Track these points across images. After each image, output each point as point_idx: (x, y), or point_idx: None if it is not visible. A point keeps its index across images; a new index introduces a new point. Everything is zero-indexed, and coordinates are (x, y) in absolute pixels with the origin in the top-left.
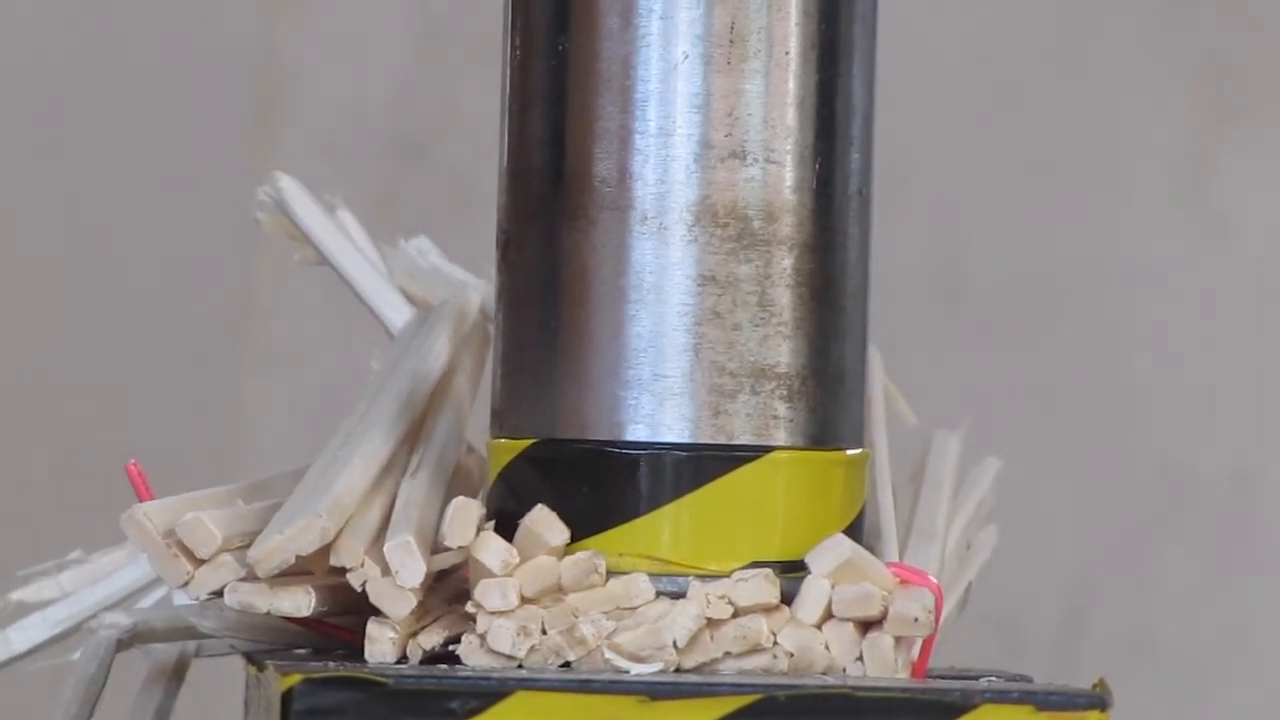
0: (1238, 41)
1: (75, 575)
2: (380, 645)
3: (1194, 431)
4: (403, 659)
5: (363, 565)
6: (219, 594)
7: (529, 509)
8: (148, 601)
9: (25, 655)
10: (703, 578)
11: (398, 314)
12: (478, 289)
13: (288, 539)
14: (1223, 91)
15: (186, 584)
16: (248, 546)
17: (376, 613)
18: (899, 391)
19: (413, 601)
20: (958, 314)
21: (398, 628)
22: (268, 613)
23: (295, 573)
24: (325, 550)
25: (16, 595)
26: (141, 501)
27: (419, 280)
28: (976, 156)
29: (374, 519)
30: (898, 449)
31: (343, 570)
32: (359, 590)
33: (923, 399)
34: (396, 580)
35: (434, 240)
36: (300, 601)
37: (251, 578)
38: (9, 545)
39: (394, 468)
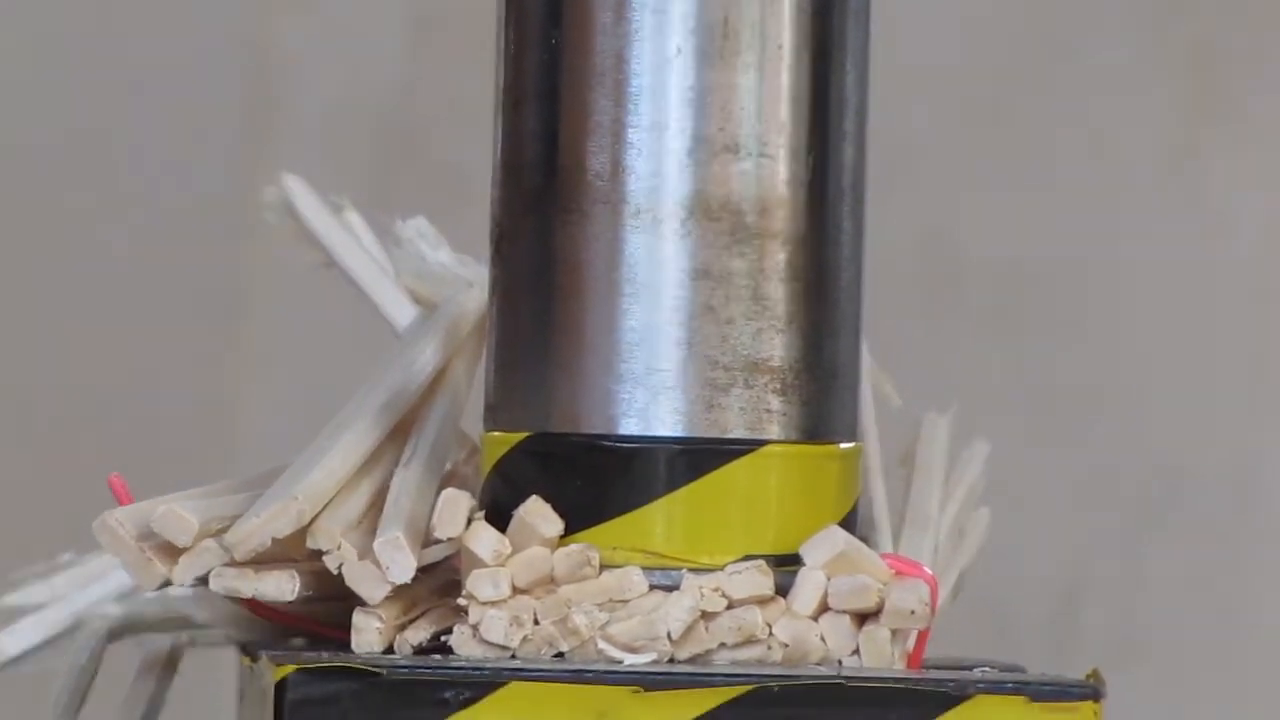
0: (1229, 35)
1: (67, 578)
2: (366, 635)
3: (1187, 425)
4: (390, 651)
5: (339, 548)
6: (204, 581)
7: (522, 502)
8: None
9: (19, 659)
10: (696, 571)
11: (404, 314)
12: (481, 287)
13: (263, 522)
14: (1215, 84)
15: (162, 586)
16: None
17: (362, 601)
18: (884, 374)
19: (388, 586)
20: (950, 307)
21: (383, 617)
22: (252, 597)
23: (281, 559)
24: (306, 536)
25: (9, 599)
26: None
27: (425, 280)
28: (968, 149)
29: (356, 505)
30: (886, 432)
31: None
32: (336, 573)
33: (914, 392)
34: (388, 576)
35: None
36: (284, 586)
37: (235, 563)
38: (0, 548)
39: (383, 458)
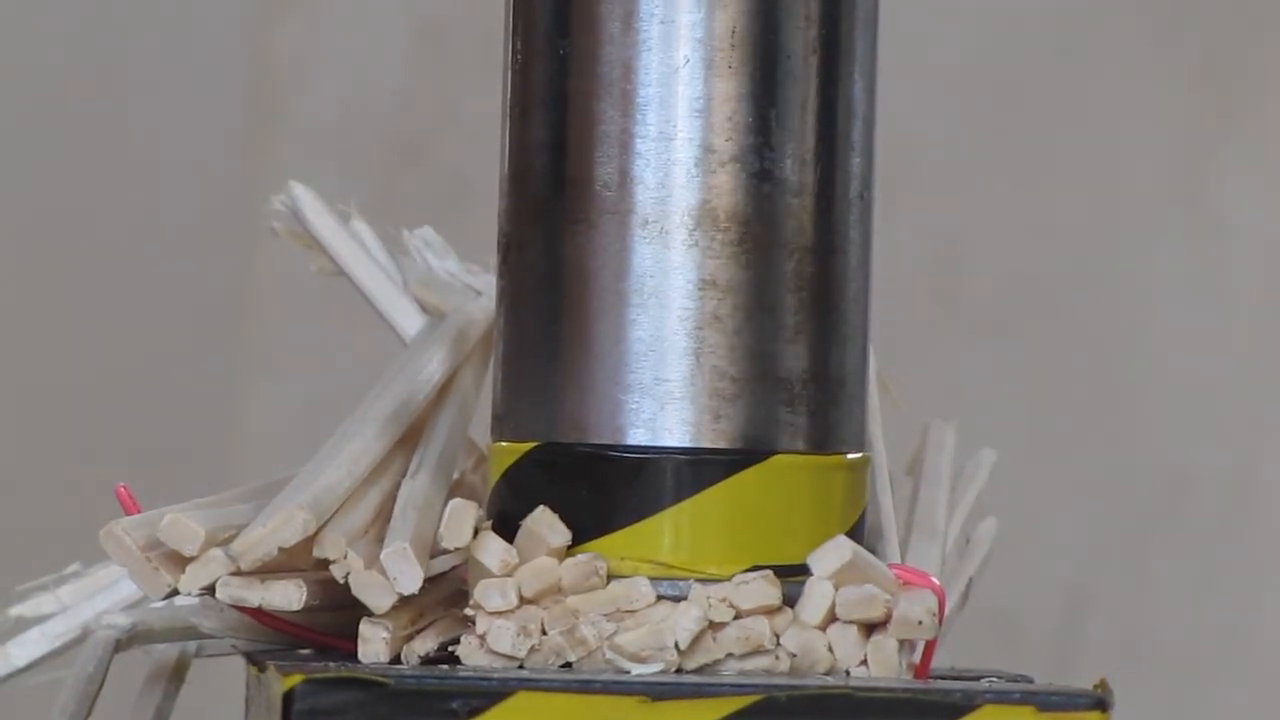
0: (1236, 41)
1: (74, 589)
2: (373, 645)
3: (1191, 431)
4: (397, 662)
5: (346, 558)
6: (211, 590)
7: (529, 512)
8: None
9: (25, 670)
10: (704, 581)
11: (412, 323)
12: (489, 296)
13: (270, 531)
14: (1221, 91)
15: (169, 596)
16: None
17: (368, 611)
18: (891, 383)
19: (395, 596)
20: (955, 315)
21: (390, 627)
22: (259, 607)
23: (288, 569)
24: (312, 545)
25: (15, 610)
26: None
27: (433, 289)
28: (975, 156)
29: (362, 514)
30: (892, 441)
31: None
32: (342, 583)
33: (920, 400)
34: (395, 586)
35: None
36: (291, 595)
37: (242, 573)
38: (7, 559)
39: (390, 468)
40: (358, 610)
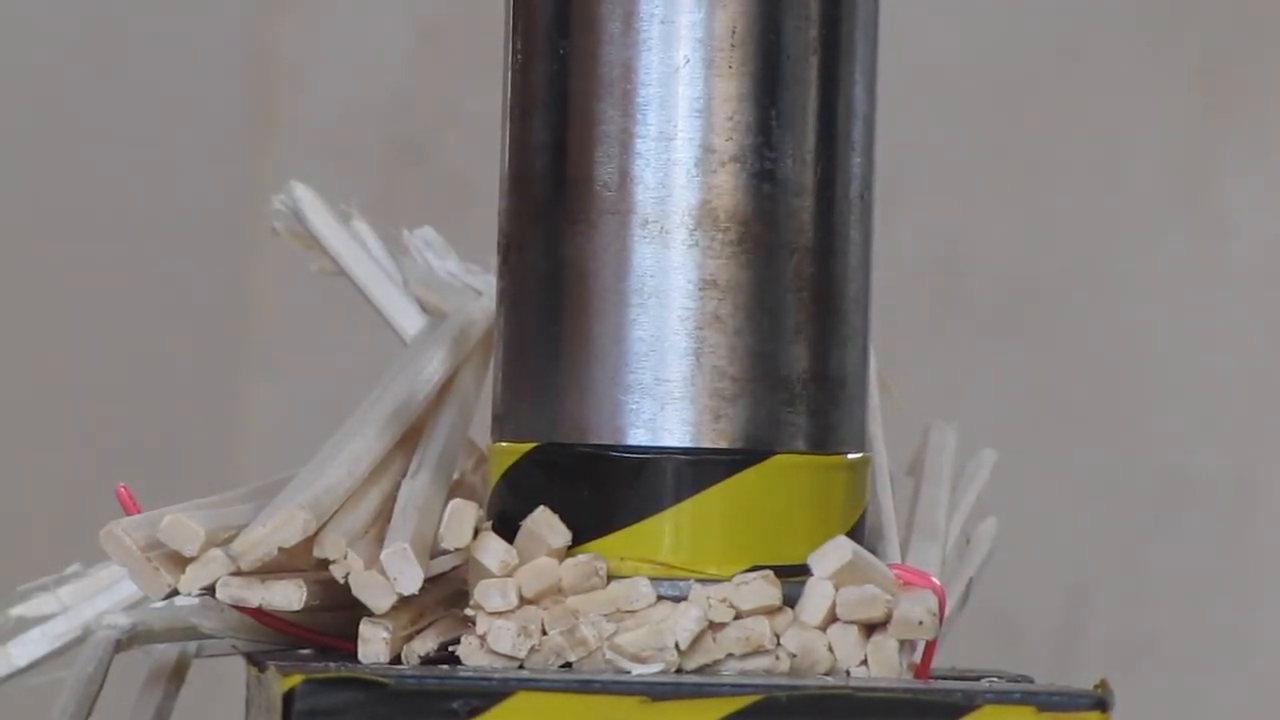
0: (1237, 41)
1: (74, 589)
2: (373, 646)
3: (1192, 432)
4: (397, 662)
5: (345, 558)
6: (212, 590)
7: (530, 513)
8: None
9: (26, 670)
10: (704, 581)
11: (412, 323)
12: (489, 296)
13: (270, 531)
14: (1223, 91)
15: (169, 596)
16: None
17: (369, 611)
18: (891, 383)
19: (395, 596)
20: (955, 315)
21: (390, 627)
22: (259, 607)
23: (289, 569)
24: (313, 545)
25: (16, 610)
26: None
27: (434, 289)
28: (975, 156)
29: (363, 515)
30: (892, 441)
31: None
32: (342, 583)
33: (921, 400)
34: (395, 587)
35: None
36: (292, 595)
37: (242, 573)
38: (7, 558)
39: (390, 468)
40: (358, 610)
